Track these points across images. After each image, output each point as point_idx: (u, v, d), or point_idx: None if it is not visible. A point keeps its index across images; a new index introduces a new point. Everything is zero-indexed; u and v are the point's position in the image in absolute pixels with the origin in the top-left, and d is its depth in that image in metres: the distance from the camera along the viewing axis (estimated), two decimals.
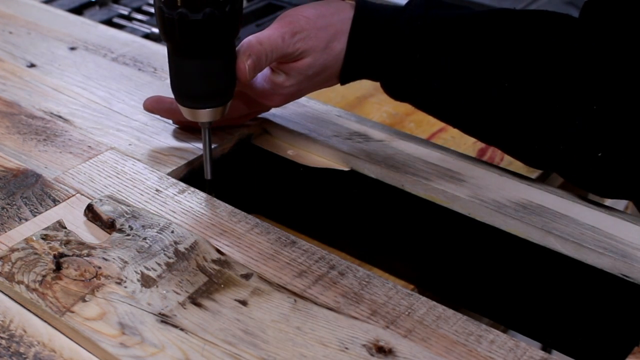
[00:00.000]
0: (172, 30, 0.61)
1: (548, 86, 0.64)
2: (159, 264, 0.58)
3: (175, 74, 0.65)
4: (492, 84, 0.65)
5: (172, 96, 0.67)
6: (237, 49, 0.65)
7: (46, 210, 0.65)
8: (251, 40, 0.65)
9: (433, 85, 0.67)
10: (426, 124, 0.97)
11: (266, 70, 0.70)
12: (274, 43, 0.65)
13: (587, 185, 0.67)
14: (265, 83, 0.70)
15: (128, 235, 0.61)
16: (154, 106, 0.74)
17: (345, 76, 0.70)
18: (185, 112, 0.66)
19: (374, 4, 0.69)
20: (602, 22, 0.65)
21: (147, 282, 0.56)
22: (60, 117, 0.78)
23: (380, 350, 0.52)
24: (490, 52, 0.65)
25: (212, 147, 0.69)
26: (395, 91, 0.70)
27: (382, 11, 0.68)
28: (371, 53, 0.68)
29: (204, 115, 0.65)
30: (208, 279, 0.57)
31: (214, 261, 0.59)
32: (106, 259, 0.58)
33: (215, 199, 0.66)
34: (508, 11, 0.68)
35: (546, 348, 0.82)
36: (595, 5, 0.66)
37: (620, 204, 1.22)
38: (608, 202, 1.11)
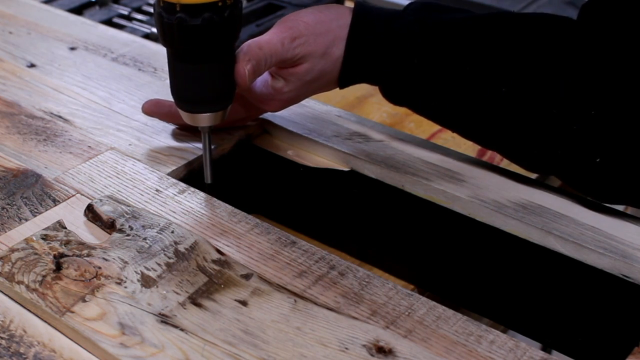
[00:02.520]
0: (171, 36, 0.61)
1: (546, 91, 0.63)
2: (159, 264, 0.58)
3: (175, 79, 0.65)
4: (490, 89, 0.65)
5: (172, 98, 0.67)
6: (236, 53, 0.65)
7: (46, 210, 0.65)
8: (250, 45, 0.65)
9: (431, 90, 0.67)
10: (426, 124, 0.97)
11: (265, 75, 0.70)
12: (273, 48, 0.65)
13: (585, 189, 0.67)
14: (264, 88, 0.70)
15: (128, 235, 0.61)
16: (152, 110, 0.74)
17: (344, 81, 0.70)
18: (185, 117, 0.66)
19: (372, 9, 0.69)
20: (600, 25, 0.64)
21: (147, 282, 0.56)
22: (60, 117, 0.78)
23: (381, 350, 0.52)
24: (487, 56, 0.65)
25: (212, 148, 0.69)
26: (393, 96, 0.70)
27: (380, 16, 0.68)
28: (369, 58, 0.68)
29: (204, 120, 0.66)
30: (208, 279, 0.57)
31: (214, 261, 0.59)
32: (106, 259, 0.58)
33: (215, 199, 0.66)
34: (506, 14, 0.67)
35: (546, 348, 0.82)
36: (593, 7, 0.66)
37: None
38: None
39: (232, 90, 0.66)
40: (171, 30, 0.61)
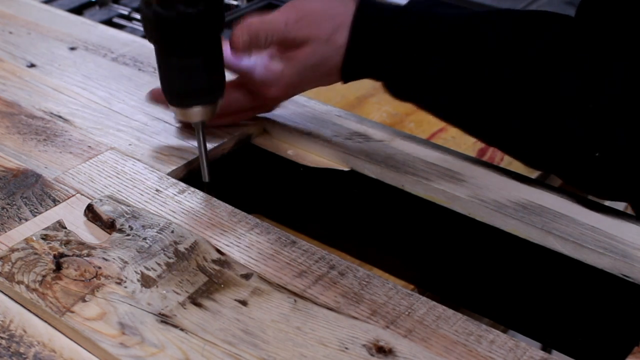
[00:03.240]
0: (150, 29, 0.62)
1: (544, 86, 0.64)
2: (159, 264, 0.58)
3: (162, 73, 0.65)
4: (490, 85, 0.65)
5: None
6: (237, 25, 0.65)
7: (46, 210, 0.65)
8: (253, 17, 0.66)
9: (433, 85, 0.68)
10: (426, 124, 0.97)
11: (266, 59, 0.70)
12: (275, 25, 0.66)
13: (585, 186, 0.67)
14: (265, 72, 0.70)
15: (128, 235, 0.61)
16: (158, 98, 0.74)
17: (347, 72, 0.70)
18: (176, 112, 0.67)
19: (376, 3, 0.69)
20: (598, 21, 0.65)
21: (147, 282, 0.56)
22: (60, 117, 0.78)
23: (380, 350, 0.52)
24: (488, 52, 0.65)
25: (212, 147, 0.69)
26: (395, 90, 0.70)
27: (383, 11, 0.68)
28: (372, 51, 0.68)
29: (195, 115, 0.66)
30: (208, 279, 0.57)
31: (214, 261, 0.59)
32: (106, 259, 0.58)
33: (215, 199, 0.66)
34: (507, 11, 0.68)
35: (546, 348, 0.82)
36: (590, 4, 0.66)
37: (620, 203, 1.22)
38: (607, 202, 1.11)
39: (219, 83, 0.66)
40: (149, 24, 0.61)
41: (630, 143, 0.62)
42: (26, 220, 0.63)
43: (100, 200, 0.64)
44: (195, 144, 0.74)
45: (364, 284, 0.57)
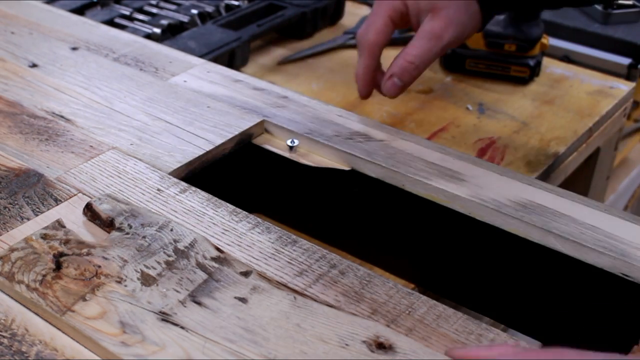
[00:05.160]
0: None
1: None
2: (158, 262, 0.58)
3: None
4: None
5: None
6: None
7: (48, 209, 0.65)
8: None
9: None
10: (426, 123, 0.97)
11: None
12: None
13: None
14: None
15: (127, 233, 0.61)
16: None
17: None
18: None
19: None
20: None
21: (147, 280, 0.57)
22: (62, 117, 0.78)
23: (381, 346, 0.52)
24: None
25: (212, 147, 0.68)
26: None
27: None
28: None
29: None
30: (208, 276, 0.57)
31: (213, 259, 0.59)
32: (106, 258, 0.58)
33: (216, 198, 0.67)
34: None
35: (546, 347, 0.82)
36: None
37: (621, 203, 1.22)
38: (608, 202, 1.12)
39: None
40: None
41: None
42: (28, 219, 0.64)
43: (99, 199, 0.64)
44: (195, 144, 0.74)
45: (365, 283, 0.57)
